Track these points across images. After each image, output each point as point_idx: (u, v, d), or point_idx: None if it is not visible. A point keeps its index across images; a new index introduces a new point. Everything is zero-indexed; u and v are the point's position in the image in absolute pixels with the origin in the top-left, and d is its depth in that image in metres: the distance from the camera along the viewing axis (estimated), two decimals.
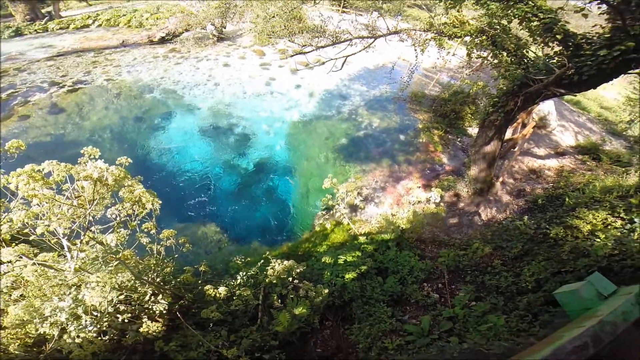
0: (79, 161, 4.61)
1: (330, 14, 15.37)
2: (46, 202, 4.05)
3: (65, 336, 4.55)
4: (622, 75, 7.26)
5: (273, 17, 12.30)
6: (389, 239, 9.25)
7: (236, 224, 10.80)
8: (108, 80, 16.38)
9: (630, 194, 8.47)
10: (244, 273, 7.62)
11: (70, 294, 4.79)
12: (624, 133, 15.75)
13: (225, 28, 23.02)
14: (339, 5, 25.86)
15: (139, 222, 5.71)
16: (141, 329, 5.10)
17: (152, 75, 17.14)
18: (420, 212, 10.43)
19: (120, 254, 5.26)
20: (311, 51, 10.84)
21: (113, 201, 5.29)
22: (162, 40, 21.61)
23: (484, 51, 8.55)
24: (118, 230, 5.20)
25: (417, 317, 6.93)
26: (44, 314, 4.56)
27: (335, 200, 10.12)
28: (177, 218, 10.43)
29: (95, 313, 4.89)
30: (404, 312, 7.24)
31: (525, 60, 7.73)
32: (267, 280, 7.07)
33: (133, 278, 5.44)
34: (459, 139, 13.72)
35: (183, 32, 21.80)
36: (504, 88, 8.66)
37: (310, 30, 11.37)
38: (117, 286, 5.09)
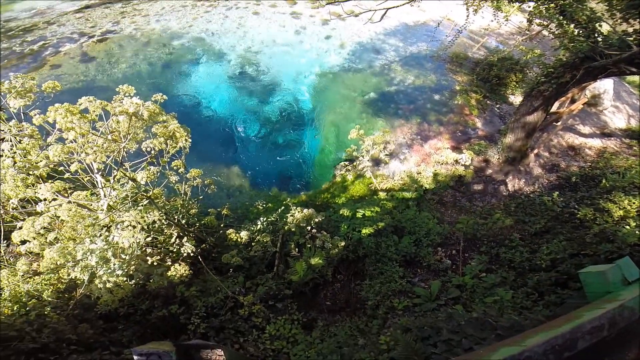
0: (114, 98, 4.66)
1: None
2: (81, 137, 4.17)
3: (96, 281, 4.80)
4: None
5: None
6: (410, 197, 9.20)
7: (258, 170, 10.99)
8: (137, 29, 16.14)
9: None
10: (264, 219, 7.74)
11: (101, 235, 4.99)
12: None
13: None
14: None
15: (168, 159, 5.83)
16: (169, 273, 5.31)
17: (180, 24, 16.78)
18: (446, 173, 10.18)
19: (150, 193, 5.43)
20: (347, 0, 10.01)
21: (147, 135, 5.39)
22: None
23: (548, 20, 7.76)
24: (148, 168, 5.30)
25: (426, 281, 7.13)
26: (76, 257, 4.79)
27: (360, 152, 9.99)
28: (201, 160, 10.67)
29: (123, 256, 5.09)
30: (414, 274, 7.44)
31: (596, 34, 7.05)
32: (286, 227, 7.20)
33: (162, 218, 5.60)
34: (497, 106, 12.91)
35: None
36: (564, 59, 7.99)
37: None
38: (146, 227, 5.26)
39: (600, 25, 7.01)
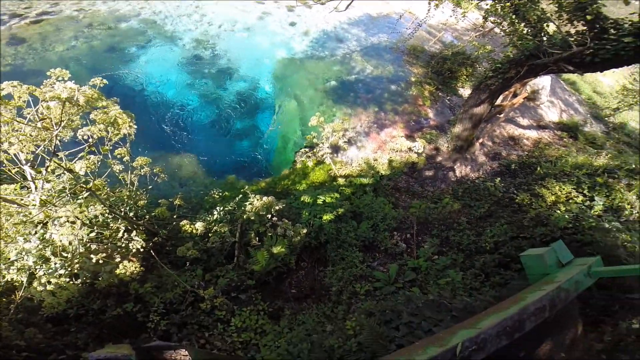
0: (44, 83, 4.08)
1: None
2: (5, 125, 3.61)
3: (35, 283, 4.32)
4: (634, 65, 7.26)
5: None
6: (367, 183, 9.41)
7: (213, 157, 10.52)
8: (79, 10, 14.44)
9: (597, 173, 8.93)
10: (221, 208, 7.44)
11: (36, 233, 4.47)
12: (606, 119, 16.23)
13: None
14: None
15: (110, 147, 5.31)
16: (117, 271, 4.92)
17: (130, 6, 15.27)
18: (400, 160, 10.57)
19: (91, 184, 4.92)
20: None
21: (84, 123, 4.85)
22: None
23: (501, 18, 8.21)
24: (88, 157, 4.80)
25: (385, 265, 7.41)
26: (9, 258, 4.28)
27: (320, 139, 9.97)
28: (151, 148, 9.96)
29: (65, 254, 4.64)
30: (373, 258, 7.68)
31: (542, 34, 7.57)
32: (244, 216, 6.97)
33: (105, 212, 5.17)
34: (448, 97, 13.58)
35: None
36: (511, 56, 8.53)
37: None
38: (87, 222, 4.82)
39: (548, 26, 7.52)
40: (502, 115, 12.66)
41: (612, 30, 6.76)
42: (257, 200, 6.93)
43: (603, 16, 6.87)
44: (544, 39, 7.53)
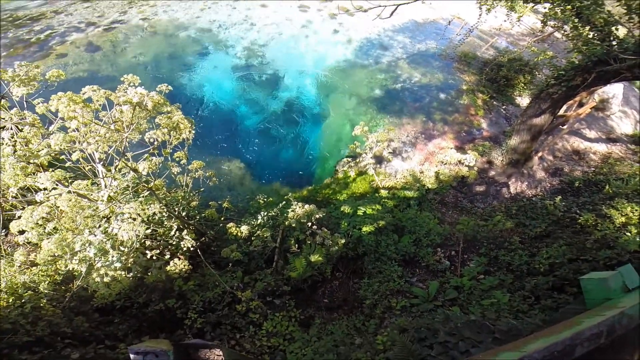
0: (118, 88, 4.62)
1: None
2: (84, 126, 4.15)
3: (94, 274, 4.73)
4: None
5: None
6: (411, 196, 9.18)
7: (259, 163, 10.97)
8: (144, 19, 16.09)
9: None
10: (265, 213, 7.63)
11: (100, 226, 4.92)
12: None
13: None
14: None
15: (171, 150, 5.78)
16: (168, 268, 5.24)
17: (187, 15, 16.71)
18: (449, 173, 10.13)
19: (152, 184, 5.40)
20: None
21: (150, 126, 5.34)
22: None
23: (562, 22, 7.72)
24: (150, 158, 5.26)
25: (425, 281, 7.12)
26: (74, 249, 4.72)
27: (363, 149, 9.93)
28: (203, 152, 10.66)
29: (122, 249, 5.02)
30: (413, 274, 7.43)
31: (611, 38, 6.98)
32: (286, 222, 7.10)
33: (162, 210, 5.54)
34: (504, 107, 12.81)
35: None
36: (576, 62, 7.91)
37: None
38: (146, 219, 5.19)
39: (617, 29, 6.93)
40: (565, 127, 11.64)
41: None
42: (299, 207, 7.04)
43: None
44: (614, 43, 6.91)
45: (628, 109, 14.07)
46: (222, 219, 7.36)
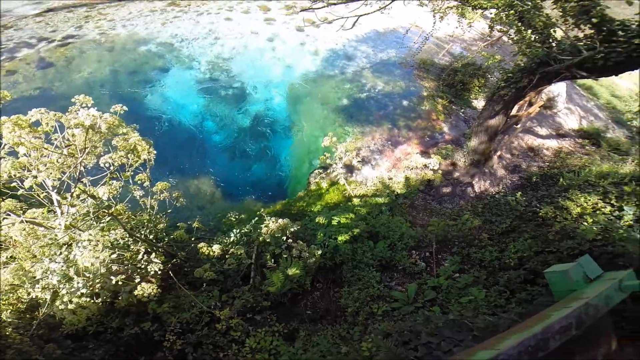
0: (69, 110, 4.35)
1: None
2: (34, 151, 3.85)
3: (57, 302, 4.49)
4: None
5: None
6: (382, 202, 9.33)
7: (230, 180, 10.72)
8: (101, 34, 15.46)
9: (624, 181, 8.50)
10: (238, 230, 7.54)
11: (61, 254, 4.68)
12: (629, 123, 15.66)
13: None
14: None
15: (132, 173, 5.56)
16: (135, 292, 5.06)
17: (148, 29, 16.21)
18: (416, 177, 10.44)
19: (113, 209, 5.13)
20: (322, 7, 10.19)
21: (106, 149, 5.11)
22: None
23: (508, 26, 8.16)
24: (110, 182, 5.06)
25: (403, 284, 7.20)
26: (35, 277, 4.47)
27: (333, 159, 10.03)
28: (169, 172, 10.29)
29: (87, 274, 4.83)
30: (391, 278, 7.49)
31: (550, 40, 7.46)
32: (260, 238, 6.99)
33: (126, 235, 5.36)
34: (462, 110, 13.48)
35: None
36: (522, 64, 8.42)
37: None
38: (109, 244, 5.01)
39: (555, 31, 7.39)
40: (519, 126, 12.40)
41: (620, 32, 6.61)
42: (273, 222, 6.96)
43: (609, 18, 6.71)
44: (553, 45, 7.40)
45: (572, 105, 15.31)
46: (193, 239, 7.13)
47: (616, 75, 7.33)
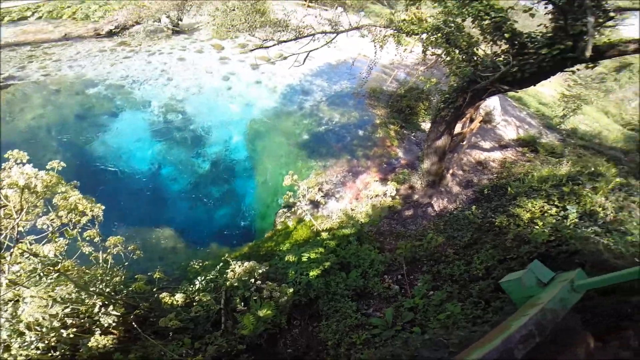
0: (2, 167, 4.06)
1: (294, 8, 15.06)
2: None
3: (5, 354, 4.19)
4: (560, 73, 7.69)
5: (233, 10, 11.58)
6: (349, 233, 9.39)
7: (192, 227, 10.35)
8: (46, 75, 14.69)
9: (562, 182, 9.28)
10: (203, 278, 7.43)
11: (7, 310, 4.41)
12: (558, 127, 17.41)
13: (181, 21, 21.75)
14: (305, 0, 25.36)
15: (80, 229, 5.39)
16: (89, 344, 4.79)
17: (97, 70, 15.63)
18: (378, 205, 10.68)
19: (60, 265, 4.85)
20: (273, 46, 10.61)
21: (46, 209, 4.83)
22: (111, 34, 19.91)
23: (439, 49, 8.67)
24: (56, 239, 4.86)
25: (380, 310, 7.15)
26: None
27: (297, 197, 10.05)
28: (126, 223, 9.72)
29: (38, 328, 4.53)
30: (368, 305, 7.43)
31: (475, 58, 8.01)
32: (227, 283, 6.91)
33: (73, 291, 5.08)
34: (413, 134, 14.25)
35: (134, 25, 20.19)
36: (455, 85, 8.94)
37: (272, 25, 11.06)
38: (59, 299, 4.76)
39: (478, 50, 7.96)
40: (465, 143, 13.29)
41: (529, 44, 7.18)
42: (238, 266, 6.91)
43: (518, 32, 7.26)
44: (478, 63, 7.90)
45: (508, 117, 16.78)
46: (155, 289, 6.77)
47: (534, 85, 7.96)
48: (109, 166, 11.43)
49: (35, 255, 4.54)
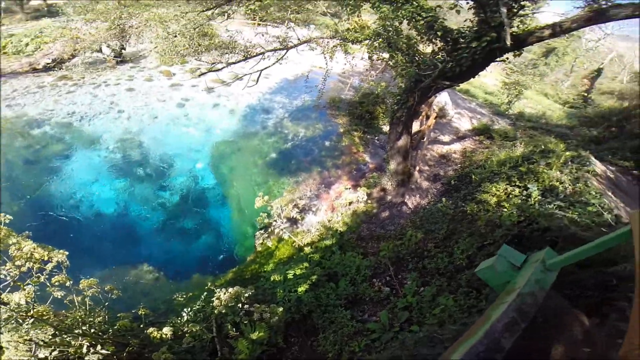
0: None
1: (240, 28, 14.95)
2: None
3: None
4: (495, 63, 8.04)
5: (175, 36, 11.23)
6: (331, 244, 9.48)
7: (172, 261, 10.04)
8: None
9: (519, 163, 9.79)
10: (189, 309, 7.39)
11: None
12: (506, 112, 18.66)
13: (124, 49, 20.95)
14: (253, 19, 25.32)
15: (47, 276, 5.31)
16: None
17: (39, 108, 14.44)
18: (354, 212, 10.86)
19: (33, 311, 4.82)
20: (222, 68, 10.47)
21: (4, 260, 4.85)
22: (48, 68, 18.70)
23: (383, 53, 8.87)
24: (24, 287, 4.85)
25: (375, 314, 7.22)
26: None
27: (272, 218, 10.00)
28: (101, 265, 9.30)
29: None
30: (362, 311, 7.49)
31: (417, 58, 8.30)
32: (215, 311, 6.84)
33: (57, 332, 5.06)
34: (376, 138, 14.69)
35: (72, 57, 19.12)
36: (403, 86, 9.22)
37: (218, 47, 10.92)
38: (42, 342, 4.76)
39: (417, 50, 8.22)
40: (425, 140, 13.85)
41: (461, 40, 7.56)
42: (223, 293, 6.85)
43: (449, 29, 7.67)
44: (419, 63, 8.20)
45: (460, 110, 17.75)
46: (142, 325, 6.55)
47: (473, 77, 8.31)
48: (71, 212, 10.73)
49: (5, 303, 4.52)
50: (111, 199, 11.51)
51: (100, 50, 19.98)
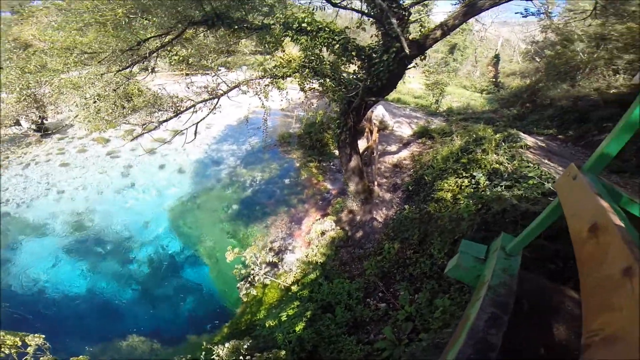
0: None
1: (166, 82, 14.43)
2: None
3: None
4: (413, 68, 8.53)
5: (95, 101, 9.78)
6: (316, 277, 9.62)
7: (162, 327, 9.66)
8: None
9: (460, 155, 10.52)
10: None
11: None
12: (437, 111, 20.30)
13: (46, 120, 19.20)
14: (180, 70, 24.77)
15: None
16: None
17: None
18: (328, 240, 11.04)
19: None
20: (155, 128, 9.96)
21: None
22: None
23: (313, 82, 9.09)
24: None
25: (381, 332, 7.32)
26: None
27: (249, 267, 9.96)
28: (89, 344, 8.75)
29: None
30: (366, 333, 7.59)
31: (343, 81, 8.71)
32: None
33: None
34: (332, 164, 15.16)
35: None
36: (338, 110, 9.59)
37: (145, 106, 10.01)
38: None
39: (342, 73, 8.58)
40: (375, 154, 14.61)
41: (374, 55, 8.03)
42: (221, 349, 6.81)
43: (361, 47, 8.14)
44: (346, 85, 8.61)
45: (397, 118, 19.00)
46: None
47: (395, 88, 8.72)
48: (39, 297, 10.01)
49: None
50: (77, 279, 10.82)
51: (18, 124, 18.24)
